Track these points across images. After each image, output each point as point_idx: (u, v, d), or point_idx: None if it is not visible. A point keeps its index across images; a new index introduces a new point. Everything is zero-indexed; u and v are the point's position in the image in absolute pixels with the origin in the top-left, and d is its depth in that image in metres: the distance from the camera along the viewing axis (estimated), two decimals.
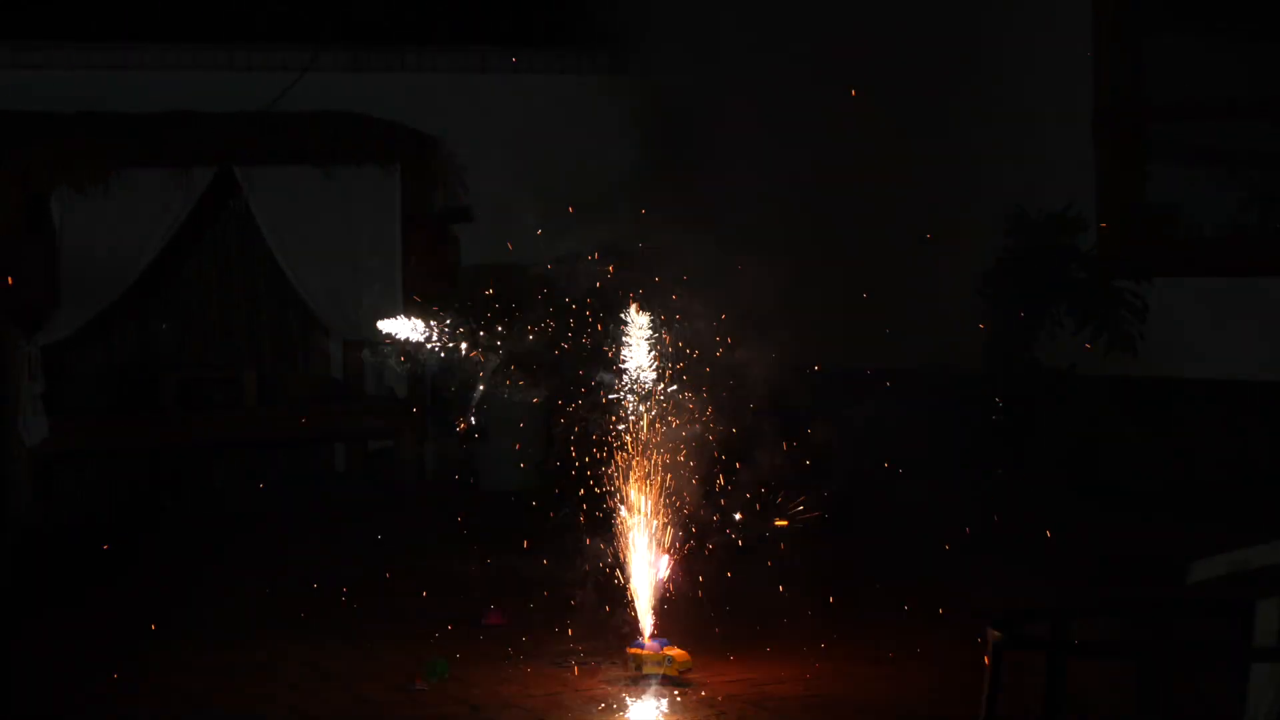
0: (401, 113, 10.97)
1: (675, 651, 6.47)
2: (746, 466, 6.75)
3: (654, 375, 6.56)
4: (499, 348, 7.80)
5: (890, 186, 9.87)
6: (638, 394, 6.54)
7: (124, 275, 10.12)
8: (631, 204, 6.93)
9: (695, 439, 6.61)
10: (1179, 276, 9.96)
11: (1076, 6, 10.31)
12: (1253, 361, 9.67)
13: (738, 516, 6.82)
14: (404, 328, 6.74)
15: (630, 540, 6.58)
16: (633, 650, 6.53)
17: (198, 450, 11.09)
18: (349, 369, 11.38)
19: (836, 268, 8.79)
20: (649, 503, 6.56)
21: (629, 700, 6.23)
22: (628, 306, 6.51)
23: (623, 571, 6.64)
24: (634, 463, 6.58)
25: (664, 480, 6.60)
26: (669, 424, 6.56)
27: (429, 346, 6.81)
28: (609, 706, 6.16)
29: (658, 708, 6.15)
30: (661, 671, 6.41)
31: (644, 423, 6.54)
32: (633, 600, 6.64)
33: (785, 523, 6.68)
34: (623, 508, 6.57)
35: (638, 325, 6.45)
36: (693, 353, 6.62)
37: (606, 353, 6.63)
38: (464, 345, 6.90)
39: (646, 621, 6.66)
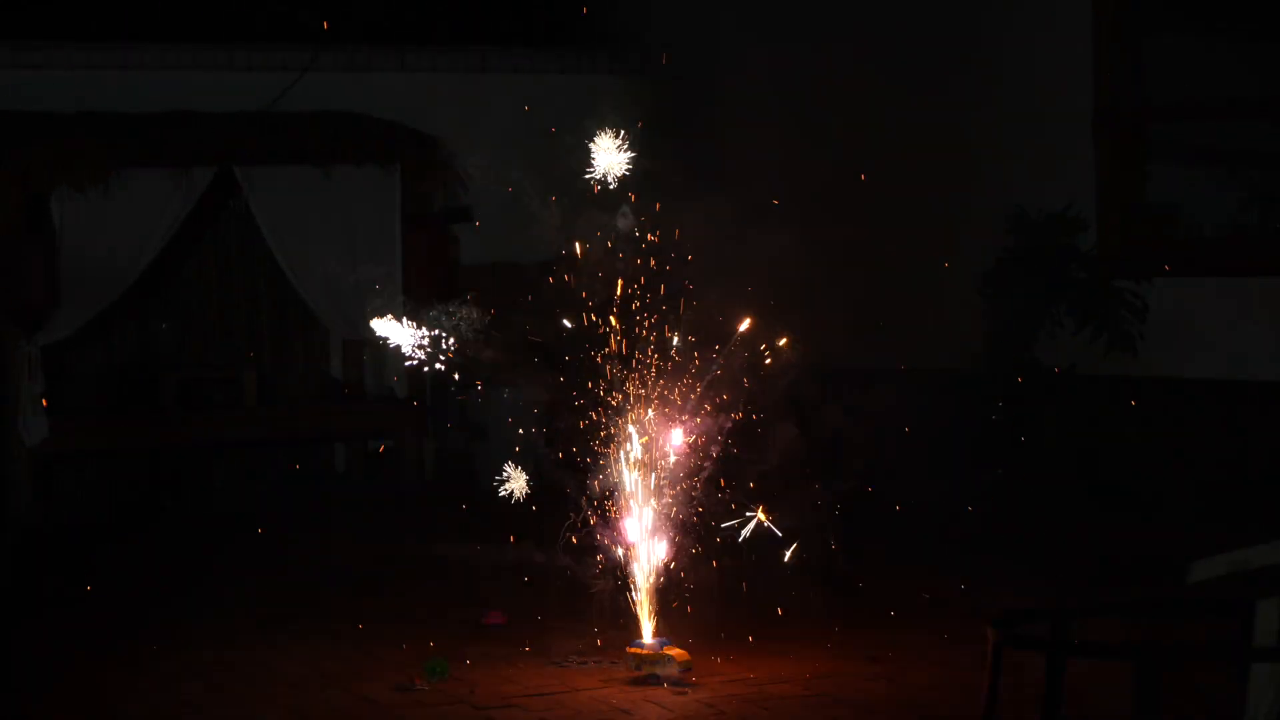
0: (401, 113, 10.97)
1: (675, 651, 6.47)
2: (757, 460, 6.75)
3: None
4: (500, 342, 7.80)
5: (890, 187, 9.88)
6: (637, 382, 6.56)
7: (124, 275, 10.12)
8: (635, 203, 6.92)
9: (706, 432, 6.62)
10: (1179, 276, 9.95)
11: (1076, 6, 10.31)
12: (1253, 361, 9.66)
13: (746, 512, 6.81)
14: (401, 334, 6.72)
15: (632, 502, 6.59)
16: (633, 650, 6.53)
17: (198, 450, 11.09)
18: (349, 369, 11.38)
19: (839, 268, 8.79)
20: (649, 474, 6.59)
21: (629, 700, 6.24)
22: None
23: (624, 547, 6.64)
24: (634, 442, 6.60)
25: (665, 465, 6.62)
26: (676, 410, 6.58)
27: (427, 351, 6.80)
28: (609, 706, 6.16)
29: (658, 708, 6.15)
30: (661, 671, 6.41)
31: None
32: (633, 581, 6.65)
33: (767, 516, 6.68)
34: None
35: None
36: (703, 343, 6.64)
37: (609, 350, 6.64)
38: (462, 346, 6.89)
39: (647, 621, 6.66)
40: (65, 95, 10.64)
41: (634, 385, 6.67)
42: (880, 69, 9.60)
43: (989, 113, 9.96)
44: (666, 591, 6.76)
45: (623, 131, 6.75)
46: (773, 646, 6.83)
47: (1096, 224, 10.17)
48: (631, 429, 6.65)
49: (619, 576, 6.71)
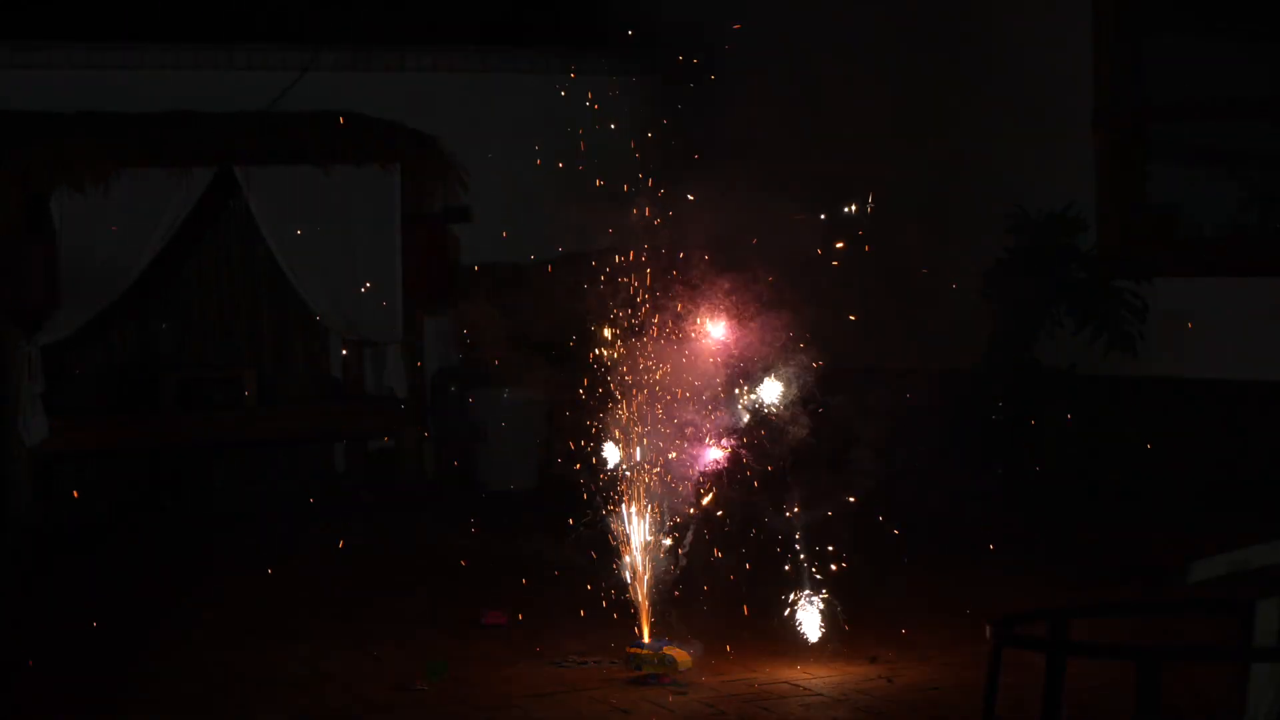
0: (401, 113, 10.97)
1: (675, 651, 6.47)
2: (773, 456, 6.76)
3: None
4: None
5: (891, 187, 9.88)
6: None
7: (124, 275, 10.12)
8: (637, 203, 6.94)
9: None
10: (1179, 276, 9.96)
11: (1076, 6, 10.31)
12: (1253, 361, 9.67)
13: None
14: None
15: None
16: (633, 650, 6.53)
17: (198, 450, 11.09)
18: (349, 369, 11.38)
19: (841, 268, 8.79)
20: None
21: (629, 700, 6.24)
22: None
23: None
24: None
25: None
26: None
27: None
28: (609, 706, 6.16)
29: (658, 708, 6.15)
30: (661, 671, 6.41)
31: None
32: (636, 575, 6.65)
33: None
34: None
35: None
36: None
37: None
38: None
39: (646, 621, 6.66)
40: (65, 95, 10.64)
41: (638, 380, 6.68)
42: (880, 69, 9.59)
43: (989, 113, 9.97)
44: (670, 591, 6.76)
45: (613, 125, 6.75)
46: (773, 646, 6.83)
47: (1096, 224, 10.18)
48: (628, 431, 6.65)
49: (627, 570, 6.71)
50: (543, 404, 10.82)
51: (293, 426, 10.88)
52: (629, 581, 6.75)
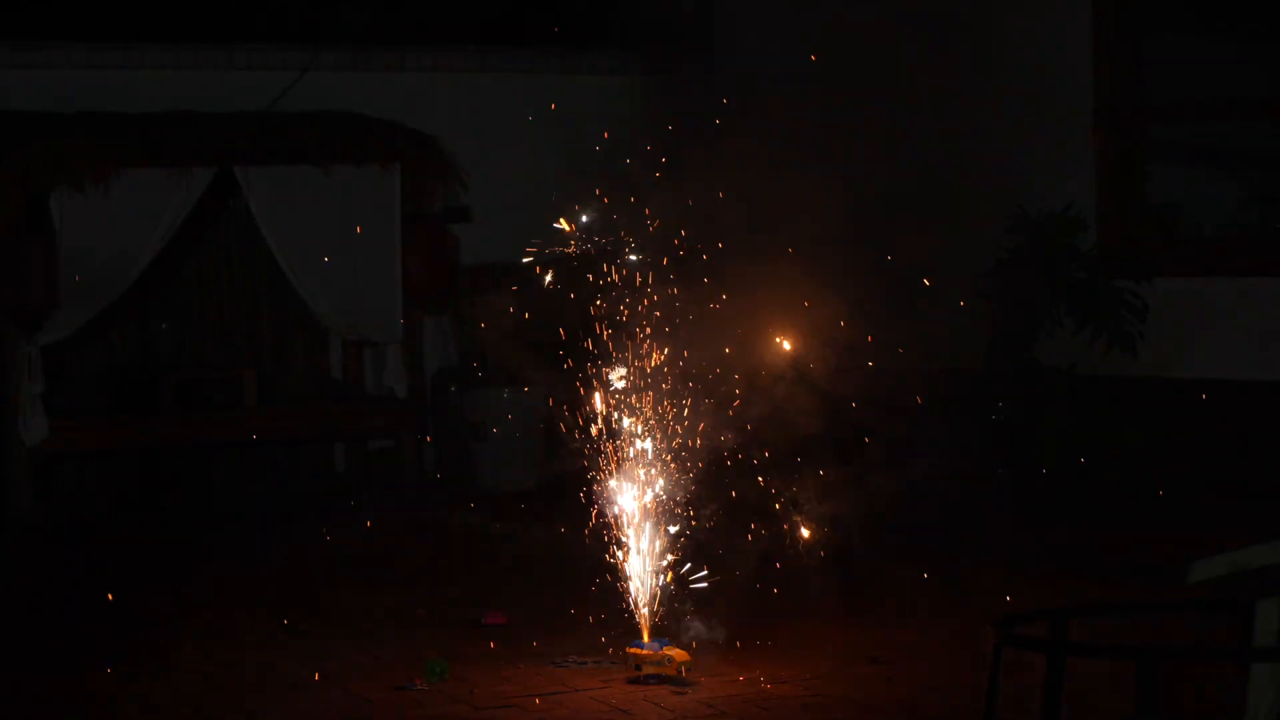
0: (401, 113, 10.96)
1: (675, 651, 6.47)
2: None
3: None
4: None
5: (891, 187, 9.88)
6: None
7: (124, 275, 10.12)
8: (638, 204, 6.94)
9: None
10: (1179, 276, 9.96)
11: (1076, 6, 10.31)
12: (1253, 361, 9.67)
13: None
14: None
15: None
16: (633, 650, 6.53)
17: (198, 450, 11.09)
18: (349, 369, 11.38)
19: (842, 268, 8.79)
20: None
21: (629, 700, 6.24)
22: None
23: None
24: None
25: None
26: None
27: None
28: (609, 706, 6.16)
29: (658, 708, 6.15)
30: (661, 671, 6.41)
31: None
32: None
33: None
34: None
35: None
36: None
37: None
38: None
39: (646, 621, 6.66)
40: (65, 95, 10.63)
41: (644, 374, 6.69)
42: (879, 69, 9.59)
43: (989, 112, 9.96)
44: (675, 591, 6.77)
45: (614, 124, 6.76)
46: (773, 646, 6.83)
47: (1096, 224, 10.18)
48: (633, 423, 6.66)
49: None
50: (543, 403, 10.83)
51: (293, 426, 10.88)
52: (629, 580, 6.76)
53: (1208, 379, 9.75)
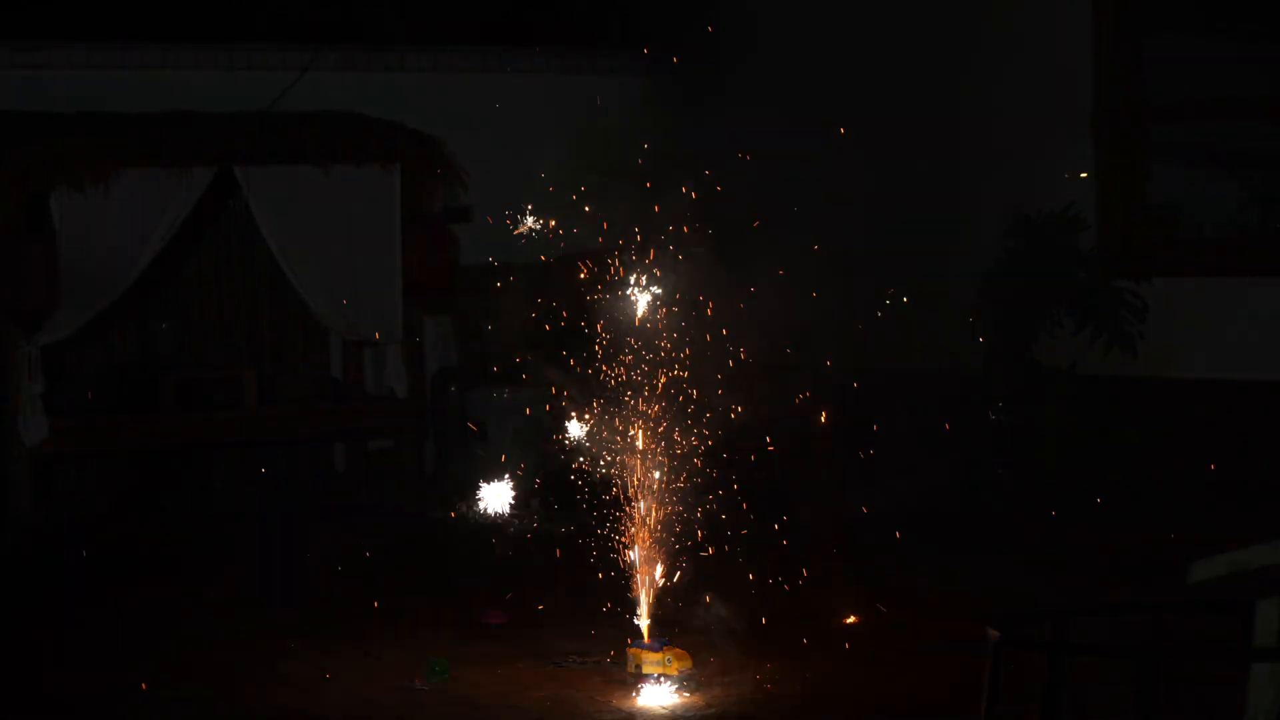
0: (401, 113, 10.96)
1: (675, 651, 6.47)
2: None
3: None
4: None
5: (891, 188, 9.88)
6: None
7: (124, 275, 10.11)
8: (638, 204, 6.95)
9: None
10: (1179, 276, 9.96)
11: (1076, 6, 10.31)
12: (1252, 361, 9.67)
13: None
14: None
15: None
16: (633, 650, 6.53)
17: (198, 450, 11.09)
18: (349, 369, 11.38)
19: (842, 269, 8.80)
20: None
21: (629, 700, 6.24)
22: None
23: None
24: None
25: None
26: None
27: None
28: (609, 706, 6.17)
29: (658, 708, 6.15)
30: (661, 671, 6.41)
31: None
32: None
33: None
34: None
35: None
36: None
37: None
38: None
39: (646, 621, 6.66)
40: (65, 95, 10.63)
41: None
42: (879, 69, 9.59)
43: (989, 112, 9.96)
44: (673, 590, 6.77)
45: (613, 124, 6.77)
46: (773, 647, 6.82)
47: (1096, 224, 10.18)
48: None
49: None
50: (543, 403, 10.83)
51: (293, 426, 10.87)
52: (631, 580, 6.76)
53: (1208, 379, 9.75)
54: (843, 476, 8.65)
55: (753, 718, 6.03)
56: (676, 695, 6.28)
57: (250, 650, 7.04)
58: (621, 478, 6.71)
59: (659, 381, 6.70)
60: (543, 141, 11.21)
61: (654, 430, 6.69)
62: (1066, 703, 4.37)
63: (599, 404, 6.75)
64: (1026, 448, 9.71)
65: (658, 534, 6.71)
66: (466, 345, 11.40)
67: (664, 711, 6.12)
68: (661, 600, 6.71)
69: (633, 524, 6.70)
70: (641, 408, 6.70)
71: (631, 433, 6.68)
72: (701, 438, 6.73)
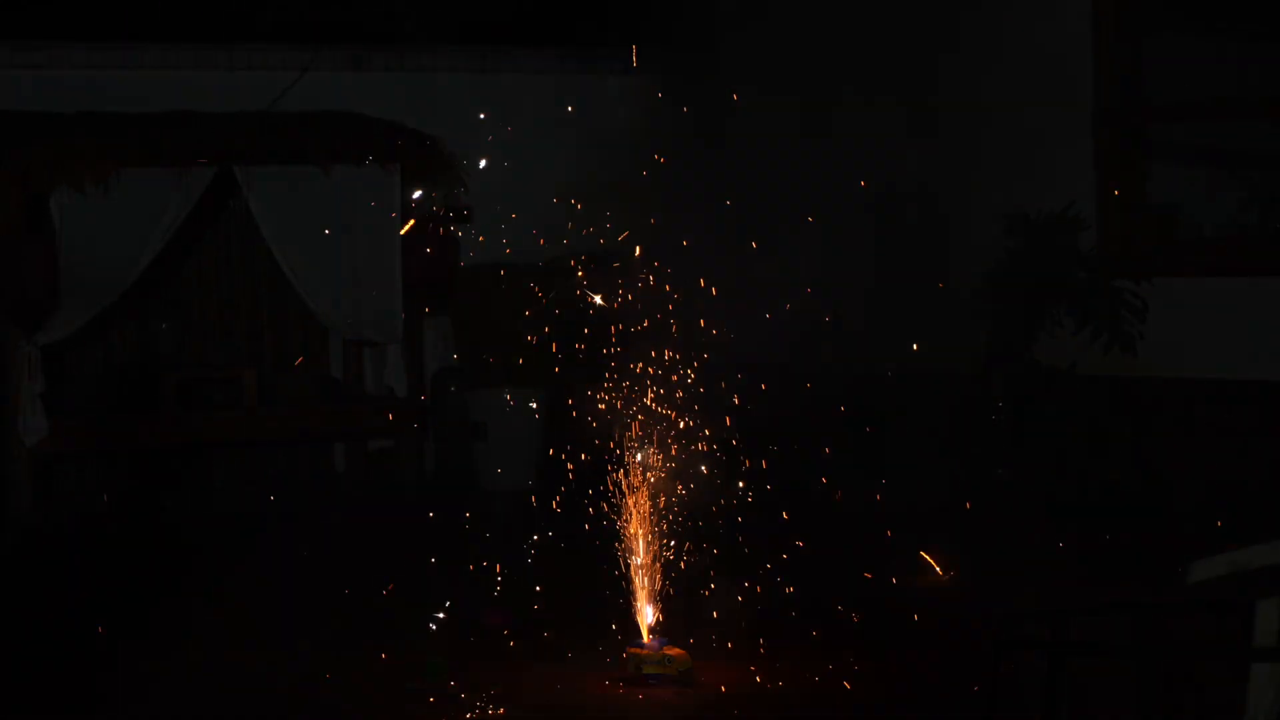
0: (401, 113, 10.96)
1: (675, 651, 6.47)
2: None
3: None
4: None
5: (891, 188, 9.88)
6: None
7: (124, 275, 10.11)
8: (636, 205, 6.95)
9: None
10: (1179, 276, 9.95)
11: (1076, 6, 10.31)
12: (1252, 361, 9.67)
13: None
14: None
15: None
16: (633, 650, 6.53)
17: (198, 450, 11.09)
18: (349, 369, 11.38)
19: (841, 270, 8.81)
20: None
21: (629, 700, 6.23)
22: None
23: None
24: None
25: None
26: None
27: None
28: (609, 706, 6.16)
29: (658, 708, 6.15)
30: (661, 671, 6.41)
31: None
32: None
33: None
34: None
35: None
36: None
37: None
38: None
39: (646, 621, 6.66)
40: (65, 95, 10.63)
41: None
42: (879, 70, 9.59)
43: (989, 112, 9.96)
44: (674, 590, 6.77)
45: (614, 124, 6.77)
46: (773, 646, 6.82)
47: (1096, 224, 10.18)
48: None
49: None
50: (543, 402, 10.83)
51: (293, 426, 10.87)
52: (631, 580, 6.76)
53: (1208, 379, 9.75)
54: (844, 476, 8.65)
55: (753, 718, 6.03)
56: (676, 695, 6.28)
57: (250, 650, 7.03)
58: (624, 478, 6.71)
59: (660, 381, 6.70)
60: (544, 142, 11.24)
61: (659, 433, 6.70)
62: (1066, 703, 4.37)
63: (602, 398, 6.76)
64: (1027, 448, 9.71)
65: (660, 534, 6.71)
66: (466, 345, 11.41)
67: (664, 711, 6.12)
68: (662, 600, 6.70)
69: (634, 524, 6.70)
70: (649, 403, 6.71)
71: (639, 433, 6.69)
72: (705, 439, 6.73)
